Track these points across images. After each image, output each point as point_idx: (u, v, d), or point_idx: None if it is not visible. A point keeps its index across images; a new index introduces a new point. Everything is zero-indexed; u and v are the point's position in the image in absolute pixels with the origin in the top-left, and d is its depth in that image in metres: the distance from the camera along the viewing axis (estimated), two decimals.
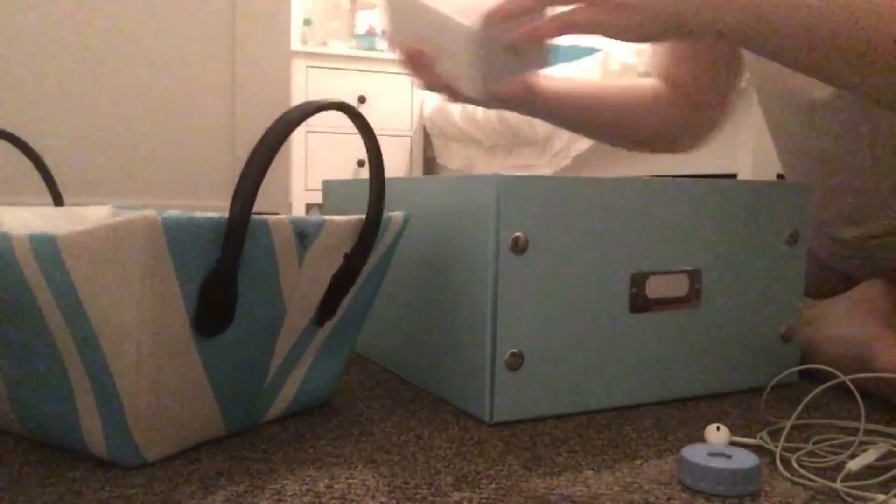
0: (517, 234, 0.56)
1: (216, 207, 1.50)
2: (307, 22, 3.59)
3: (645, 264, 0.61)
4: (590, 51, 3.46)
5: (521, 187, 0.56)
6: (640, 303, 0.61)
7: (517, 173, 0.57)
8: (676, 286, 0.63)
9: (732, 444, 0.54)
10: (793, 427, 0.58)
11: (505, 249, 0.56)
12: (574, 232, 0.58)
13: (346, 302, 0.57)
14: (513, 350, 0.57)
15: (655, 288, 0.62)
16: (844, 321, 0.71)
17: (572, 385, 0.59)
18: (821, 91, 0.76)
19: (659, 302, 0.62)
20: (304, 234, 0.50)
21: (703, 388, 0.65)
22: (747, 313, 0.66)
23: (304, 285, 0.52)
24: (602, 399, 0.61)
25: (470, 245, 0.58)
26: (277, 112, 1.52)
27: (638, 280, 0.61)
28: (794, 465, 0.49)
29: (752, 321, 0.67)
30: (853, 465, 0.47)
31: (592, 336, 0.60)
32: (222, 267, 0.45)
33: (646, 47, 1.93)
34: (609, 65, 2.11)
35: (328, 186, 0.85)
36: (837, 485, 0.45)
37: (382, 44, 3.48)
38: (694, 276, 0.63)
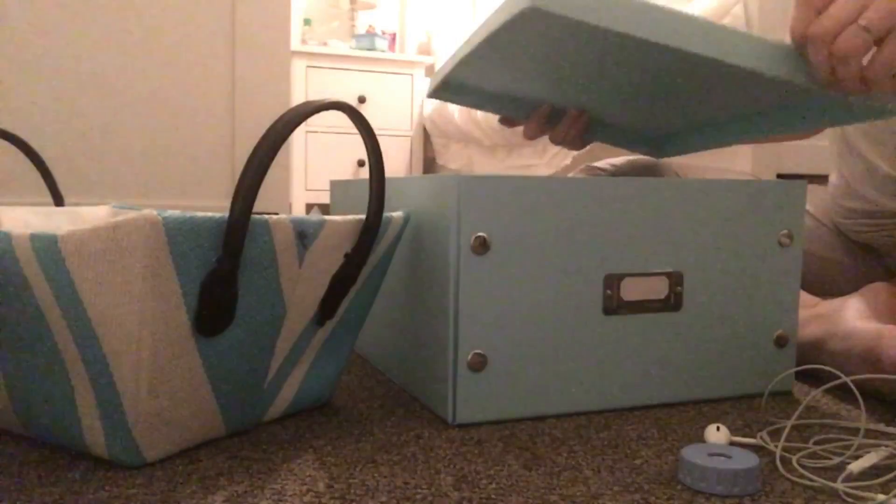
0: (479, 234, 0.56)
1: (216, 207, 1.50)
2: (307, 22, 3.59)
3: (620, 266, 0.60)
4: None
5: (483, 188, 0.55)
6: (614, 305, 0.60)
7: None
8: (655, 289, 0.62)
9: (732, 444, 0.54)
10: (793, 427, 0.58)
11: (466, 250, 0.55)
12: (540, 233, 0.57)
13: (346, 302, 0.57)
14: (476, 351, 0.56)
15: (632, 290, 0.61)
16: (852, 318, 0.71)
17: (541, 387, 0.59)
18: None
19: (635, 305, 0.61)
20: (304, 234, 0.50)
21: (687, 393, 0.64)
22: (735, 317, 0.64)
23: (304, 285, 0.52)
24: (576, 402, 0.60)
25: (435, 246, 0.58)
26: (277, 112, 1.52)
27: (612, 282, 0.60)
28: (795, 465, 0.49)
29: (741, 326, 0.65)
30: (854, 466, 0.47)
31: (562, 338, 0.59)
32: (223, 267, 0.45)
33: None
34: None
35: (335, 186, 0.86)
36: (838, 485, 0.45)
37: (382, 43, 3.48)
38: (674, 278, 0.62)
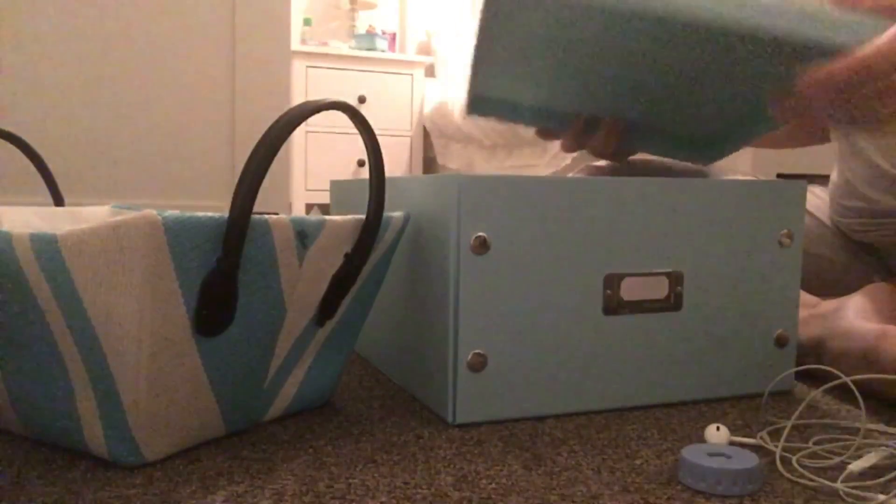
0: (479, 234, 0.56)
1: (216, 207, 1.50)
2: (307, 22, 3.59)
3: (620, 266, 0.60)
4: None
5: (484, 187, 0.55)
6: (614, 305, 0.60)
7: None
8: (655, 288, 0.61)
9: (732, 444, 0.54)
10: (793, 427, 0.58)
11: (466, 250, 0.55)
12: (540, 232, 0.57)
13: (346, 302, 0.57)
14: (476, 351, 0.56)
15: (632, 290, 0.60)
16: (852, 318, 0.71)
17: (541, 387, 0.59)
18: None
19: (635, 304, 0.61)
20: (304, 234, 0.50)
21: (687, 393, 0.63)
22: (736, 317, 0.64)
23: (304, 285, 0.52)
24: (576, 402, 0.60)
25: (435, 245, 0.58)
26: (277, 112, 1.52)
27: (612, 282, 0.60)
28: (795, 465, 0.49)
29: (742, 325, 0.65)
30: (854, 466, 0.47)
31: (562, 338, 0.59)
32: (222, 267, 0.45)
33: None
34: None
35: (335, 186, 0.86)
36: (838, 485, 0.45)
37: (382, 43, 3.48)
38: (674, 278, 0.62)
